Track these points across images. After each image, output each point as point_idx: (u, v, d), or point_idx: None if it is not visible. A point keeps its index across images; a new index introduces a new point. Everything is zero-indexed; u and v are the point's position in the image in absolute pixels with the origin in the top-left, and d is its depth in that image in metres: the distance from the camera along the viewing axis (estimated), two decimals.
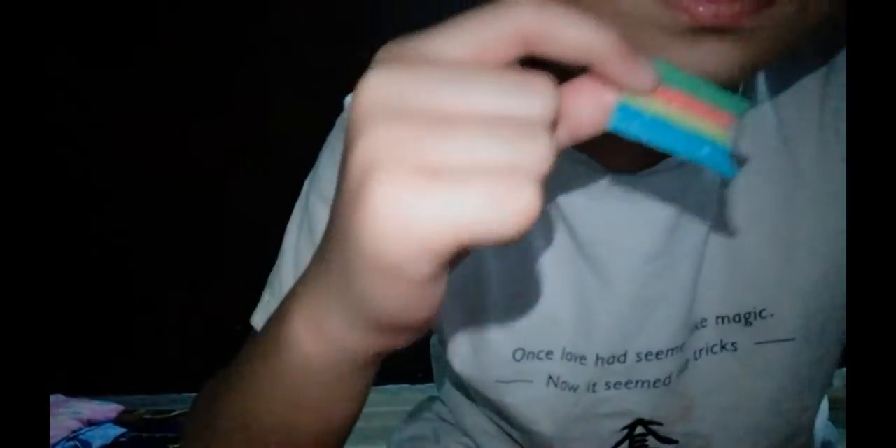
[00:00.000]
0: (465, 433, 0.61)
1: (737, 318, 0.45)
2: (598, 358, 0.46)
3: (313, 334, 0.28)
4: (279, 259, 0.51)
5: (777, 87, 0.42)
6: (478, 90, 0.22)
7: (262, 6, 1.52)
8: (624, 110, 0.24)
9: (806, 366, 0.46)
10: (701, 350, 0.46)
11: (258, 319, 0.50)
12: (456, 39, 0.22)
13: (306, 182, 0.50)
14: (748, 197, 0.43)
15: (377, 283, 0.24)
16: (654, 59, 0.25)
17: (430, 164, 0.21)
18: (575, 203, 0.43)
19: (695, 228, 0.43)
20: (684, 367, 0.46)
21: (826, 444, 0.59)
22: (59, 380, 1.46)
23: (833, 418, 0.60)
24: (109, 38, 1.53)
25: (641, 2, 0.28)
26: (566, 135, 0.24)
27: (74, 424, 1.40)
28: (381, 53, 0.23)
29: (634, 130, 0.24)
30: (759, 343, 0.45)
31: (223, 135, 1.57)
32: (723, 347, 0.45)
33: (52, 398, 1.47)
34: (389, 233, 0.21)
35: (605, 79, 0.24)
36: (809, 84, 0.42)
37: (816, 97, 0.42)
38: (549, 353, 0.46)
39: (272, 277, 0.51)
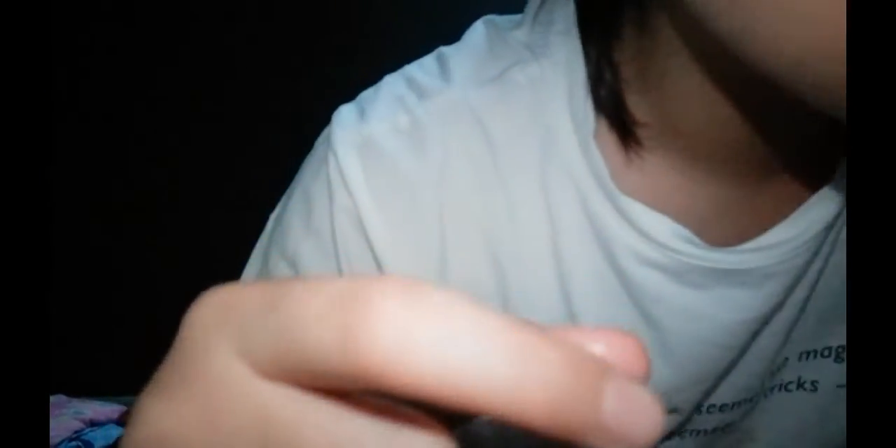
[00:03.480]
0: None
1: (826, 353, 0.40)
2: None
3: None
4: None
5: None
6: None
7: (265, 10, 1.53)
8: None
9: None
10: (773, 387, 0.41)
11: None
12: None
13: (268, 226, 0.42)
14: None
15: None
16: None
17: None
18: (648, 280, 0.36)
19: (788, 312, 0.38)
20: (752, 410, 0.42)
21: None
22: (62, 380, 1.46)
23: None
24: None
25: None
26: None
27: (77, 425, 1.40)
28: None
29: None
30: (843, 386, 0.40)
31: (234, 130, 1.57)
32: (800, 385, 0.41)
33: (55, 399, 1.47)
34: None
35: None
36: None
37: None
38: None
39: None
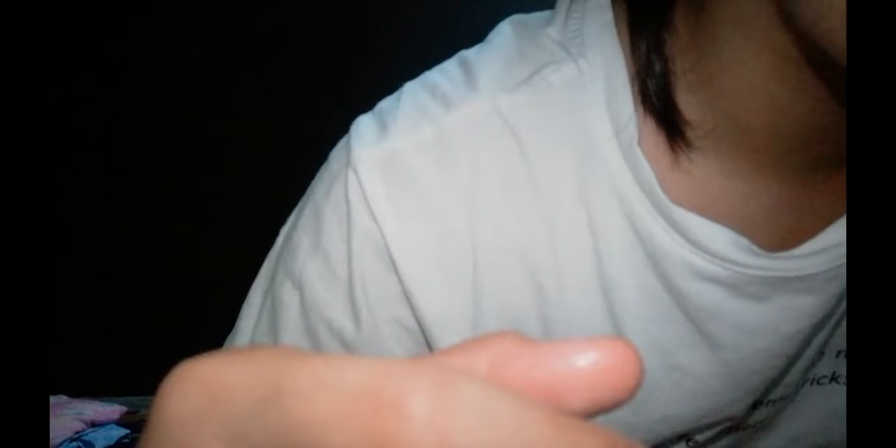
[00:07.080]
0: None
1: None
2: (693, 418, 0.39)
3: None
4: (232, 336, 0.41)
5: None
6: None
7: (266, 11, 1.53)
8: None
9: None
10: (806, 381, 0.40)
11: None
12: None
13: (278, 242, 0.40)
14: None
15: None
16: None
17: None
18: (705, 296, 0.35)
19: (839, 312, 0.37)
20: (787, 404, 0.41)
21: None
22: (63, 380, 1.46)
23: None
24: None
25: None
26: None
27: (77, 425, 1.40)
28: None
29: None
30: None
31: (235, 121, 1.57)
32: (833, 379, 0.40)
33: (55, 399, 1.47)
34: None
35: None
36: None
37: None
38: None
39: None
